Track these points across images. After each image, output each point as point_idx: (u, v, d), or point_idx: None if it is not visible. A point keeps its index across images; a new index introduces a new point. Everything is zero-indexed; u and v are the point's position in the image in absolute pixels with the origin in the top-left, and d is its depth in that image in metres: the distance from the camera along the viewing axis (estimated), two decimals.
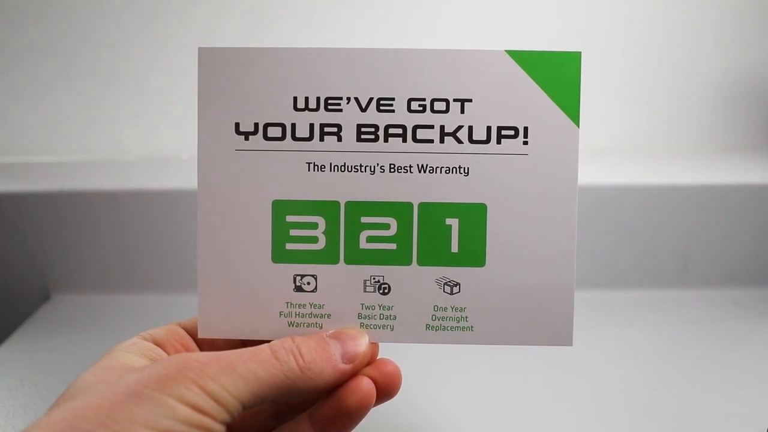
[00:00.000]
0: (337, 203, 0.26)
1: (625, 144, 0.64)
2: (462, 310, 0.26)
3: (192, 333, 0.27)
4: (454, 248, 0.26)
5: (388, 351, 0.26)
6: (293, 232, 0.26)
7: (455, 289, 0.26)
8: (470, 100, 0.26)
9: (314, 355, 0.23)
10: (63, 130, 0.61)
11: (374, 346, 0.26)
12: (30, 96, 0.60)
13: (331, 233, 0.26)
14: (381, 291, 0.26)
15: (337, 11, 0.60)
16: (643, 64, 0.63)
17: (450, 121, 0.26)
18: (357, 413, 0.24)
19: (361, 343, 0.25)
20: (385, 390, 0.25)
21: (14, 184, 0.52)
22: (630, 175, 0.54)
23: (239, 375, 0.21)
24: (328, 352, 0.24)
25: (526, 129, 0.26)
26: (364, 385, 0.24)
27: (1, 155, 0.61)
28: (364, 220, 0.26)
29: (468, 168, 0.26)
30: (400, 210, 0.26)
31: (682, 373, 0.40)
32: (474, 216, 0.26)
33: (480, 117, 0.26)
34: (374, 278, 0.26)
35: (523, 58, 0.25)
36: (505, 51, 0.25)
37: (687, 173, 0.55)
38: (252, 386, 0.21)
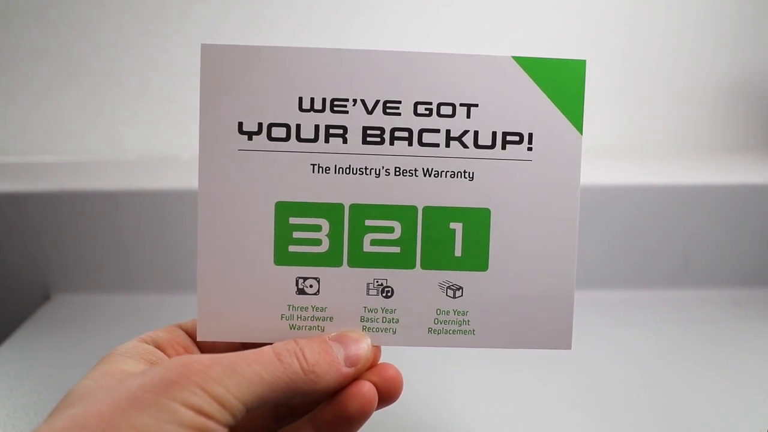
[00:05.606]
0: (341, 206, 0.26)
1: (625, 144, 0.64)
2: (464, 313, 0.26)
3: (192, 335, 0.26)
4: (458, 252, 0.26)
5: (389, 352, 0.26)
6: (296, 234, 0.26)
7: (458, 293, 0.26)
8: (476, 105, 0.25)
9: (318, 358, 0.23)
10: (63, 130, 0.60)
11: (376, 350, 0.26)
12: (30, 96, 0.59)
13: (335, 236, 0.26)
14: (384, 294, 0.26)
15: (337, 11, 0.60)
16: (643, 63, 0.63)
17: (456, 125, 0.26)
18: (358, 418, 0.24)
19: (363, 347, 0.25)
20: (386, 395, 0.25)
21: (14, 184, 0.51)
22: (630, 175, 0.54)
23: (243, 377, 0.21)
24: (331, 355, 0.24)
25: (530, 135, 0.26)
26: (366, 390, 0.24)
27: (1, 155, 0.61)
28: (369, 223, 0.26)
29: (473, 173, 0.26)
30: (404, 213, 0.26)
31: (682, 373, 0.40)
32: (478, 220, 0.26)
33: (486, 122, 0.26)
34: (377, 281, 0.26)
35: (529, 65, 0.25)
36: (512, 57, 0.25)
37: (687, 173, 0.55)
38: (256, 389, 0.21)
